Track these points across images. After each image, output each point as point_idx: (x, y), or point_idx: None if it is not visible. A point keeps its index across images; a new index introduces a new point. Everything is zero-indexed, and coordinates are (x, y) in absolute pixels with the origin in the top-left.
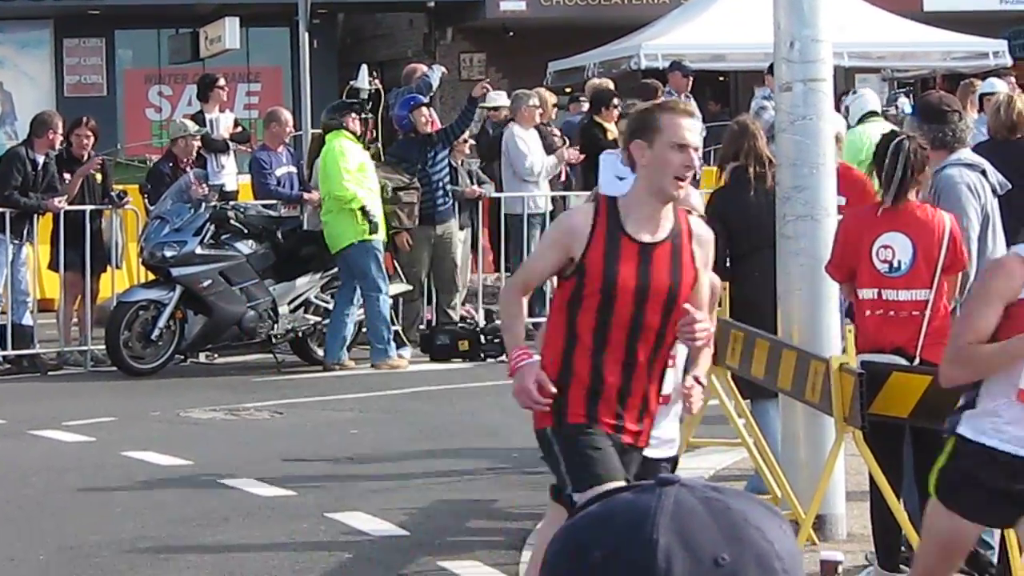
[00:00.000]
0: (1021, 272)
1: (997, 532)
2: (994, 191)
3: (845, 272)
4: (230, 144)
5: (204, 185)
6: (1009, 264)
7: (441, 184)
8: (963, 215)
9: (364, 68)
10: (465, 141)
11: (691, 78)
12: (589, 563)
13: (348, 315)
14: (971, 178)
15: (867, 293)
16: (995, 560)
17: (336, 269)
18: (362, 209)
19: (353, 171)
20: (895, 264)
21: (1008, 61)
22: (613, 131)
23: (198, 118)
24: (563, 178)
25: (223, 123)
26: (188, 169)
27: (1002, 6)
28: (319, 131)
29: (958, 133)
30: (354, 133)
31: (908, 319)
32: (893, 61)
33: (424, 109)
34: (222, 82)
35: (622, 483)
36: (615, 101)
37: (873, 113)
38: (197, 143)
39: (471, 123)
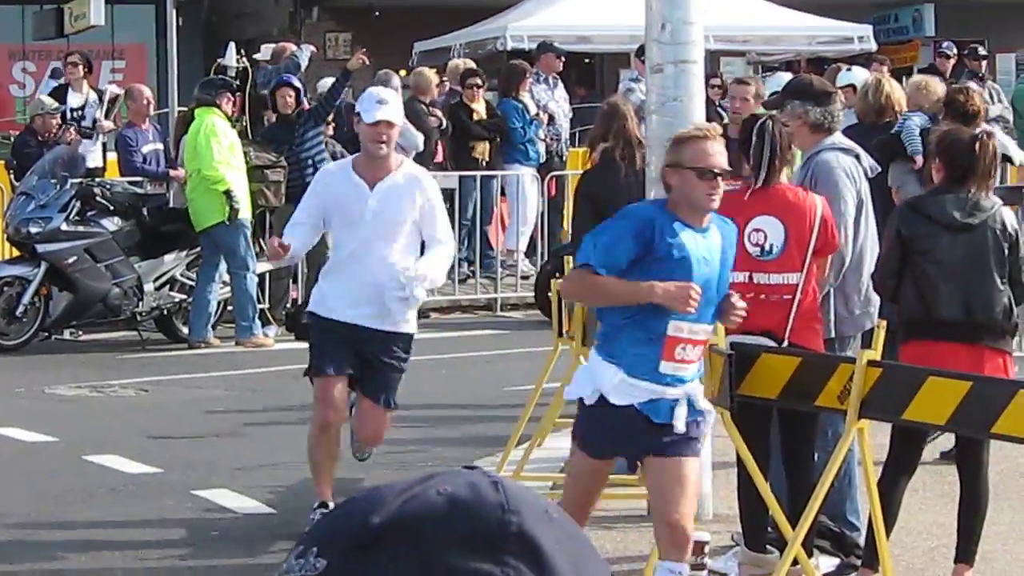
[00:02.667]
0: None
1: (864, 513)
2: (865, 175)
3: None
4: (99, 131)
5: (72, 154)
6: None
7: (311, 163)
8: (840, 199)
9: (232, 46)
10: (328, 123)
11: (562, 59)
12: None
13: (211, 292)
14: (847, 163)
15: (738, 276)
16: (861, 542)
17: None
18: (227, 193)
19: (224, 150)
20: (767, 248)
21: (873, 46)
22: (479, 111)
23: (58, 94)
24: (439, 158)
25: (111, 93)
26: (51, 145)
27: None
28: (186, 109)
29: (837, 116)
30: (226, 113)
31: (778, 303)
32: (758, 45)
33: (287, 89)
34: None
35: None
36: (477, 80)
37: None
38: (56, 120)
39: (339, 97)
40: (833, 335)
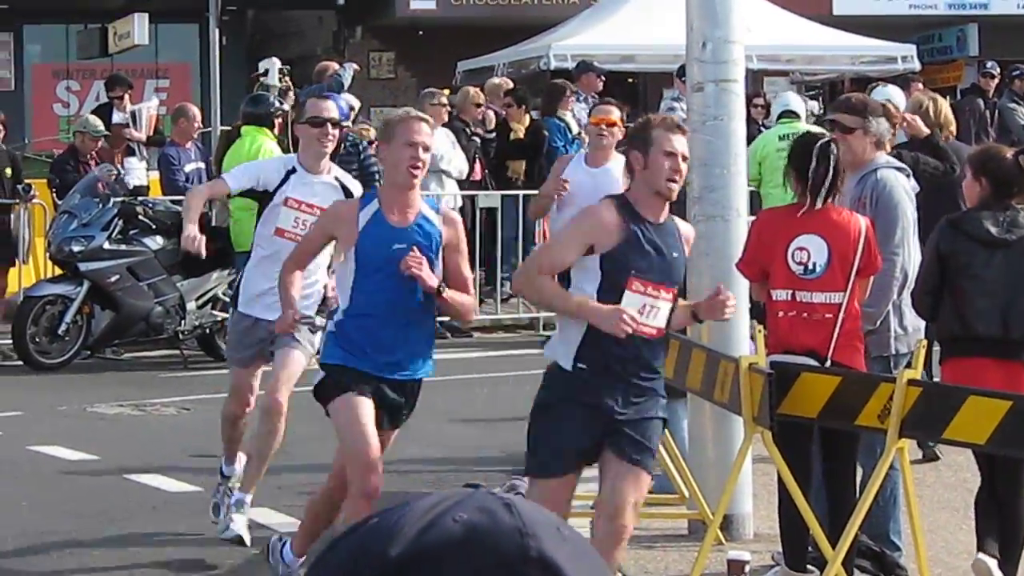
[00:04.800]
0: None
1: (906, 532)
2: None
3: (756, 271)
4: (138, 149)
5: (112, 171)
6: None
7: (379, 176)
8: (903, 216)
9: (275, 64)
10: (372, 142)
11: (603, 79)
12: None
13: None
14: (904, 182)
15: (781, 294)
16: (903, 562)
17: None
18: None
19: None
20: (810, 266)
21: (916, 66)
22: (518, 130)
23: (102, 111)
24: (477, 176)
25: (146, 113)
26: (91, 164)
27: (911, 11)
28: (228, 128)
29: (888, 133)
30: (276, 134)
31: (821, 321)
32: (802, 64)
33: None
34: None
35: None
36: (508, 99)
37: (791, 113)
38: (100, 142)
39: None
40: (892, 352)
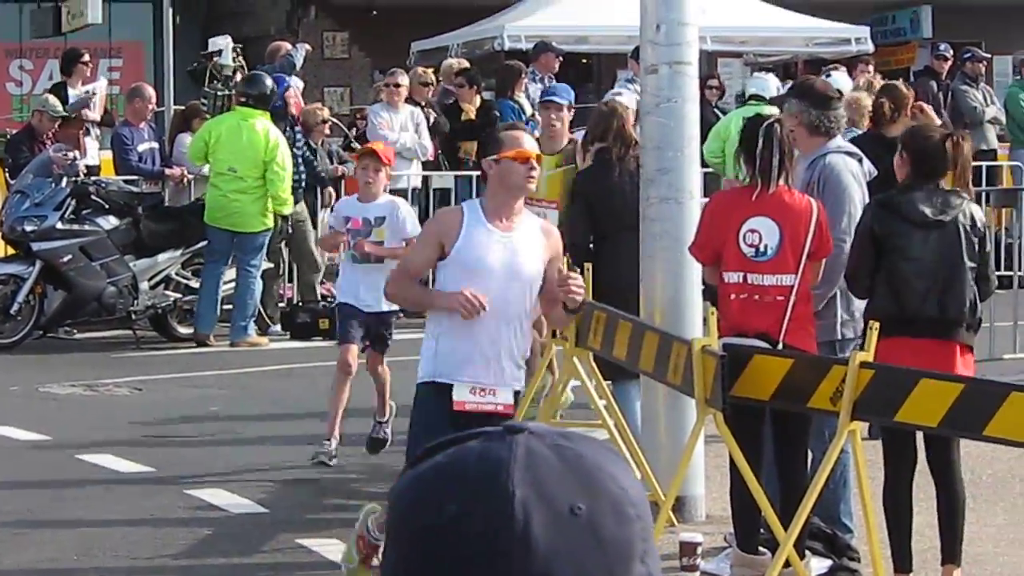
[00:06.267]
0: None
1: (858, 514)
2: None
3: (709, 254)
4: (92, 129)
5: (68, 154)
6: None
7: (302, 160)
8: (849, 202)
9: (228, 43)
10: (324, 121)
11: (560, 59)
12: (445, 516)
13: (219, 289)
14: (853, 166)
15: (733, 277)
16: (854, 544)
17: (198, 246)
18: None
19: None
20: (761, 248)
21: (870, 47)
22: (469, 111)
23: (58, 90)
24: (430, 156)
25: (98, 89)
26: (47, 143)
27: None
28: (182, 107)
29: (839, 120)
30: (292, 116)
31: (773, 304)
32: (755, 46)
33: (292, 90)
34: (86, 58)
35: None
36: (461, 80)
37: (757, 97)
38: (56, 122)
39: None
40: (838, 337)
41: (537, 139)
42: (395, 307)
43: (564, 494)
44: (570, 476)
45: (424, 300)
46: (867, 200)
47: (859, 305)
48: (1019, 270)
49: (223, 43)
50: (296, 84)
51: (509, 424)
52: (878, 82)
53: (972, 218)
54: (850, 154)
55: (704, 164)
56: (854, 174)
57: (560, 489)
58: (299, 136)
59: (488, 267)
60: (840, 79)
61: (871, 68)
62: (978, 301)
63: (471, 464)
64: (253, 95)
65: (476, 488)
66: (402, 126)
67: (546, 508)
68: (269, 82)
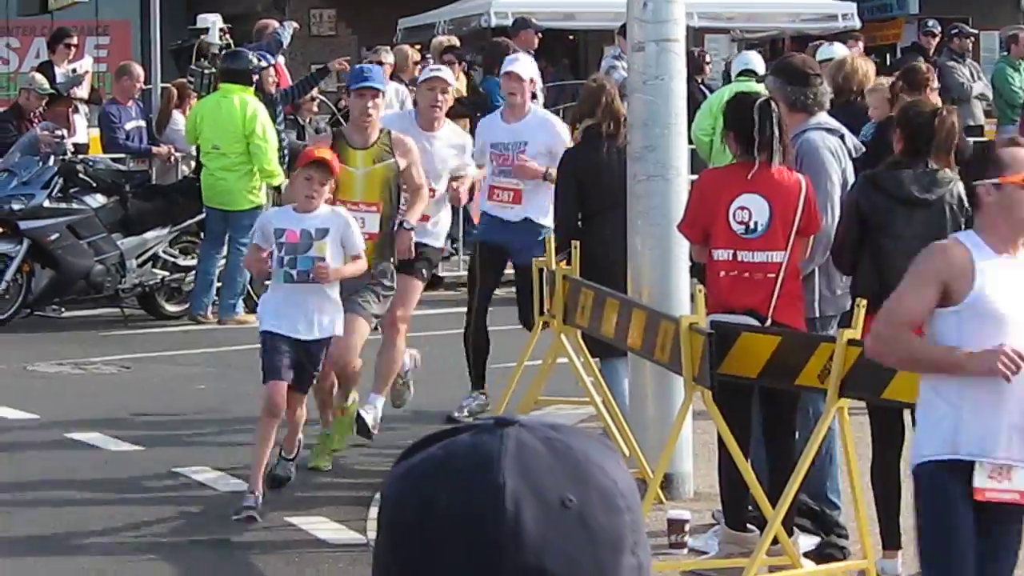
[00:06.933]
0: (960, 254)
1: (846, 491)
2: (850, 154)
3: (698, 232)
4: (80, 107)
5: (56, 133)
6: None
7: (284, 142)
8: (826, 179)
9: (216, 23)
10: (313, 99)
11: (540, 35)
12: (435, 509)
13: (215, 267)
14: (832, 142)
15: (722, 254)
16: (842, 520)
17: (186, 224)
18: (277, 188)
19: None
20: (751, 225)
21: (857, 23)
22: (460, 87)
23: (45, 69)
24: None
25: (83, 68)
26: (34, 122)
27: None
28: (169, 85)
29: (819, 97)
30: (268, 93)
31: (762, 281)
32: (742, 22)
33: (271, 69)
34: (74, 40)
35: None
36: (451, 56)
37: (748, 72)
38: (44, 100)
39: (313, 88)
40: (817, 315)
41: (342, 133)
42: (326, 336)
43: (555, 486)
44: (560, 468)
45: (946, 362)
46: (848, 175)
47: (839, 283)
48: None
49: (212, 20)
50: (277, 61)
51: (500, 417)
52: (856, 57)
53: (959, 198)
54: (831, 130)
55: (690, 142)
56: (832, 150)
57: (551, 481)
58: (279, 112)
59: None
60: (839, 50)
61: (860, 44)
62: None
63: (462, 456)
64: (233, 70)
65: (467, 480)
66: (387, 103)
67: (537, 500)
68: (251, 57)
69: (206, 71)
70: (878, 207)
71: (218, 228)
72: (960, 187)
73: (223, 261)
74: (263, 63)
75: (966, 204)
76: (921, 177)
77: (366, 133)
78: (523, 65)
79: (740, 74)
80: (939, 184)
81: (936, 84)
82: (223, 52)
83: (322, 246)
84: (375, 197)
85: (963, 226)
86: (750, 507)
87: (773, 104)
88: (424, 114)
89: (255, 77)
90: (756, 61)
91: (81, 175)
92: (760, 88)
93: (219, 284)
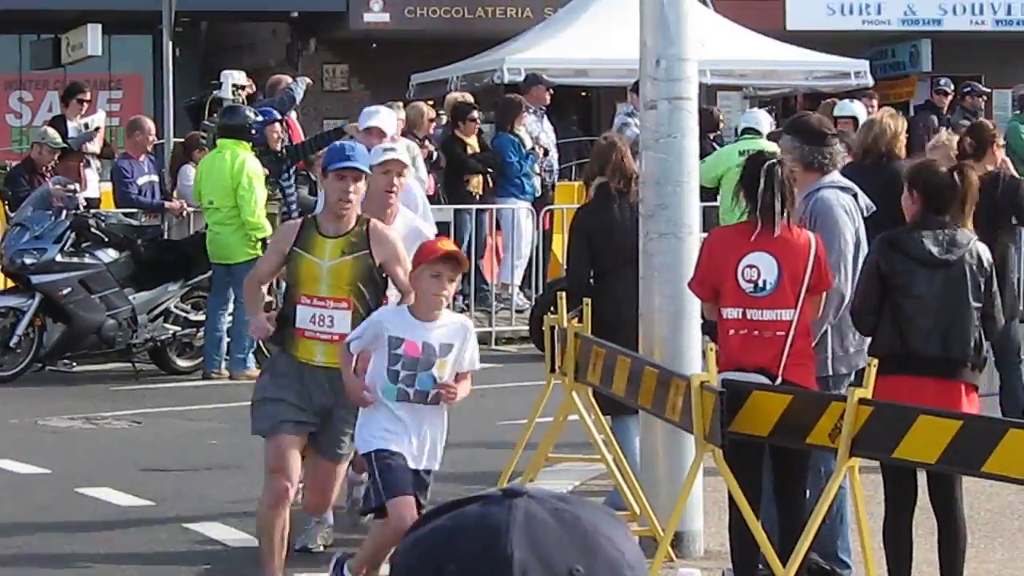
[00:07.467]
0: None
1: (856, 551)
2: (862, 213)
3: (708, 289)
4: (92, 162)
5: (68, 187)
6: None
7: (292, 198)
8: (840, 237)
9: (229, 78)
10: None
11: (551, 91)
12: None
13: (222, 323)
14: (845, 201)
15: (731, 312)
16: None
17: (198, 279)
18: (263, 240)
19: (264, 195)
20: (760, 284)
21: (869, 81)
22: (473, 144)
23: (57, 123)
24: (431, 191)
25: (97, 122)
26: (47, 176)
27: (864, 26)
28: (182, 140)
29: (833, 157)
30: (270, 147)
31: (772, 339)
32: (755, 79)
33: (277, 125)
34: (87, 95)
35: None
36: (474, 114)
37: (752, 131)
38: (56, 155)
39: (326, 146)
40: (830, 373)
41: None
42: (435, 466)
43: (563, 557)
44: (568, 539)
45: None
46: (861, 234)
47: (852, 341)
48: (1021, 304)
49: (237, 76)
50: (289, 116)
51: (508, 488)
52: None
53: (979, 257)
54: (844, 189)
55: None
56: (846, 209)
57: (559, 552)
58: (286, 168)
59: None
60: (857, 108)
61: (875, 102)
62: (983, 340)
63: (470, 527)
64: (230, 126)
65: (476, 550)
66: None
67: (545, 571)
68: (247, 112)
69: (214, 126)
70: (898, 269)
71: (223, 283)
72: (980, 247)
73: (231, 317)
74: (260, 118)
75: (985, 263)
76: (941, 237)
77: (341, 221)
78: (384, 119)
79: (744, 132)
80: (958, 245)
81: (1002, 141)
82: (222, 108)
83: (443, 363)
84: (342, 293)
85: (982, 286)
86: (761, 566)
87: (779, 167)
88: (378, 200)
89: (254, 132)
90: (761, 119)
91: (93, 230)
92: (764, 145)
93: (228, 339)
